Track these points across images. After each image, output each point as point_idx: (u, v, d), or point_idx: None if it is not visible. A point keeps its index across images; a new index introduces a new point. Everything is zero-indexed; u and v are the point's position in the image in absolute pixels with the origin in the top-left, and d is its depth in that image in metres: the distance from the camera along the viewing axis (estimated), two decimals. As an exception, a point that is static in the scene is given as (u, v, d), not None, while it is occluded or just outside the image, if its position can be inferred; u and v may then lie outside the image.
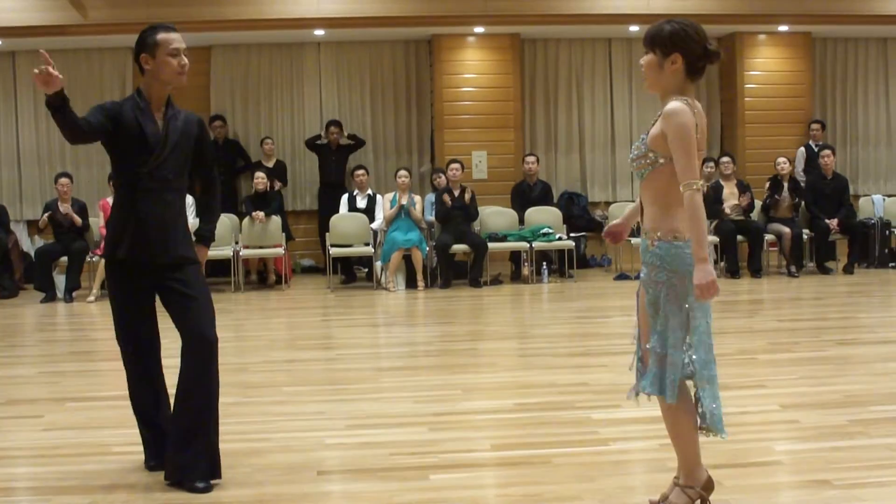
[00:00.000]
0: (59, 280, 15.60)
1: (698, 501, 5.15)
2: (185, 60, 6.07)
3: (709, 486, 5.18)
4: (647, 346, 5.09)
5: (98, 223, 15.91)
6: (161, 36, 5.96)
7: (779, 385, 8.29)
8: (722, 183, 16.67)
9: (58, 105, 5.45)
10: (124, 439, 6.93)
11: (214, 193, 6.47)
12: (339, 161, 17.69)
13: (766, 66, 18.24)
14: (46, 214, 15.81)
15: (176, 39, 6.02)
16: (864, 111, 19.39)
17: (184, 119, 6.19)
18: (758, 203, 16.80)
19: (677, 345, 5.00)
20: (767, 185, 16.82)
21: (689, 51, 4.96)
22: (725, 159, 16.90)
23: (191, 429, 5.86)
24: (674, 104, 4.92)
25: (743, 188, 16.58)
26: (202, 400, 5.90)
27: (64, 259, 15.68)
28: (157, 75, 5.99)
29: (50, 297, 15.35)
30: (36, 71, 5.29)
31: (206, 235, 6.39)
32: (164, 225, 5.97)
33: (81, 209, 15.96)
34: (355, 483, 5.93)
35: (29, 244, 17.67)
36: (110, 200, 15.57)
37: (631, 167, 5.27)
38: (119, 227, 5.98)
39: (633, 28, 17.50)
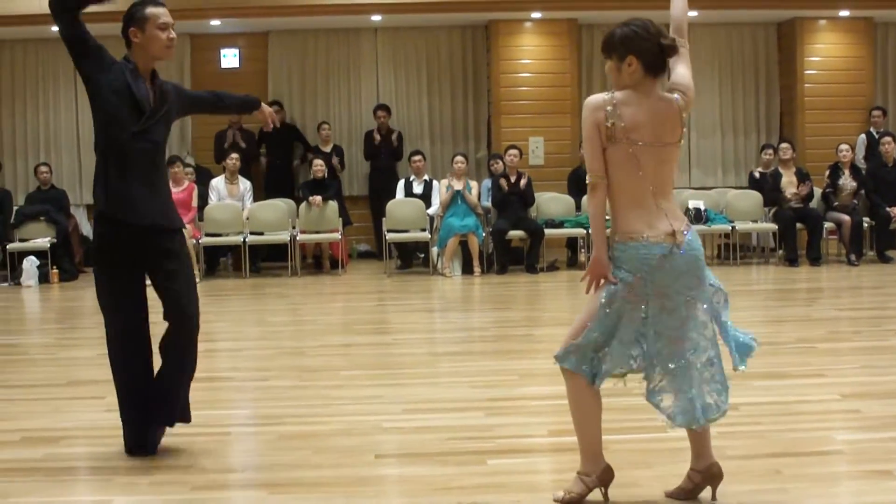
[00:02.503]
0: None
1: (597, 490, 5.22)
2: (174, 34, 6.12)
3: (606, 476, 5.21)
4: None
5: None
6: (150, 10, 6.05)
7: (839, 374, 8.23)
8: (781, 170, 16.56)
9: None
10: (184, 421, 7.01)
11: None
12: (387, 145, 17.74)
13: (826, 52, 18.04)
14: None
15: (164, 14, 6.09)
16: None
17: (171, 88, 6.28)
18: (817, 191, 16.62)
19: (624, 338, 5.02)
20: (827, 172, 16.67)
21: (643, 51, 4.99)
22: (785, 146, 16.75)
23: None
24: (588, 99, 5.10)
25: (802, 176, 16.42)
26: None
27: (123, 242, 15.78)
28: (146, 48, 6.06)
29: (109, 280, 15.45)
30: None
31: (251, 98, 6.68)
32: (156, 188, 6.11)
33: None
34: (412, 467, 5.96)
35: (88, 228, 17.80)
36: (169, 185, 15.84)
37: None
38: (112, 189, 6.05)
39: (692, 13, 17.36)
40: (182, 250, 6.22)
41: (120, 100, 5.97)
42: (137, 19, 6.03)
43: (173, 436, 6.40)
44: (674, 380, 5.00)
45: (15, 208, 16.73)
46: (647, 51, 4.98)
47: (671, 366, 4.98)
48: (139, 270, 6.15)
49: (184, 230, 6.27)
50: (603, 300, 5.00)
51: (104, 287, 6.17)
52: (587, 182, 4.99)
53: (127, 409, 6.25)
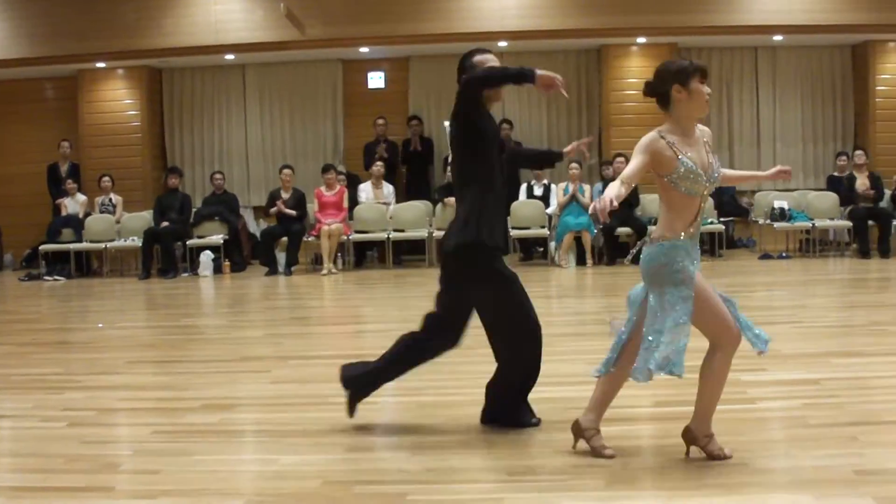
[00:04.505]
0: (280, 257, 15.92)
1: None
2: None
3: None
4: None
5: (313, 209, 16.22)
6: (477, 58, 6.03)
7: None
8: (855, 174, 16.42)
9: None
10: (339, 391, 7.05)
11: None
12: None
13: (895, 71, 17.74)
14: (275, 209, 16.17)
15: (491, 59, 6.05)
16: None
17: None
18: (887, 192, 16.40)
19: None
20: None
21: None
22: (859, 153, 16.65)
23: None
24: None
25: (874, 179, 16.29)
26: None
27: (284, 239, 16.01)
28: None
29: (272, 271, 15.69)
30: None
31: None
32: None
33: (300, 198, 16.29)
34: (538, 433, 5.94)
35: (255, 226, 18.07)
36: (323, 189, 16.03)
37: (711, 188, 5.40)
38: (492, 218, 5.88)
39: (778, 38, 17.17)
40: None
41: (494, 137, 5.92)
42: (467, 68, 5.97)
43: (333, 405, 6.46)
44: None
45: (194, 210, 17.05)
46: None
47: None
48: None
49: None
50: None
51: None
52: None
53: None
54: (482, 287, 5.94)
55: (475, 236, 5.80)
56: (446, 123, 5.79)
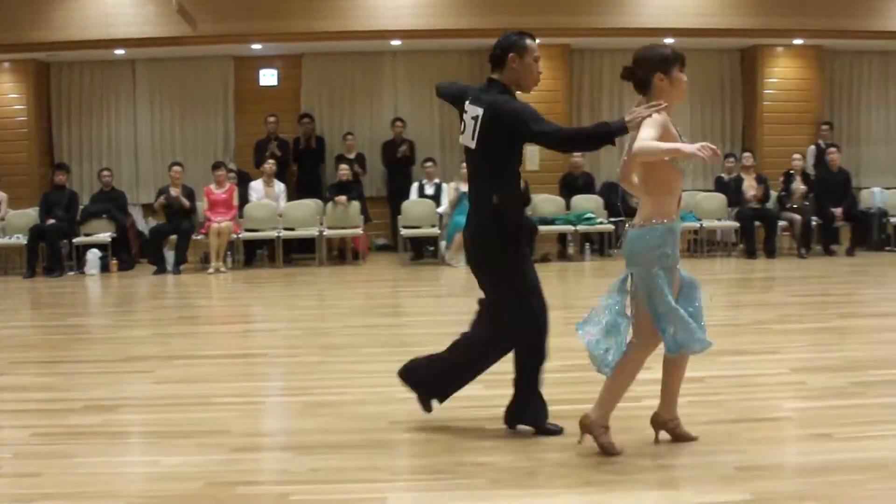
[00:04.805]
0: (169, 255, 15.71)
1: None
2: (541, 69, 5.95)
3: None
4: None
5: (203, 207, 16.06)
6: (528, 42, 5.83)
7: (789, 351, 8.23)
8: (742, 176, 16.73)
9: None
10: (224, 391, 7.01)
11: None
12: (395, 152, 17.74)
13: (782, 75, 18.02)
14: (163, 197, 15.96)
15: (536, 48, 5.87)
16: (866, 114, 19.13)
17: None
18: (773, 193, 16.73)
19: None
20: (782, 178, 16.77)
21: None
22: (746, 155, 17.04)
23: None
24: None
25: (760, 181, 16.60)
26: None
27: (173, 237, 15.81)
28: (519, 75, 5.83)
29: (161, 269, 15.48)
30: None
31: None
32: None
33: (189, 194, 16.11)
34: (422, 432, 5.94)
35: (144, 224, 17.81)
36: (213, 187, 15.87)
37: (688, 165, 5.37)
38: (519, 213, 5.94)
39: (669, 40, 17.38)
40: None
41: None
42: (519, 47, 5.78)
43: (218, 405, 6.40)
44: None
45: (81, 207, 16.74)
46: None
47: None
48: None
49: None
50: None
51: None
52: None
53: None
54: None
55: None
56: (479, 111, 5.68)
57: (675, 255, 5.24)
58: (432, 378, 6.05)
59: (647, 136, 5.04)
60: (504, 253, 5.74)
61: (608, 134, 5.42)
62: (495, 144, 5.68)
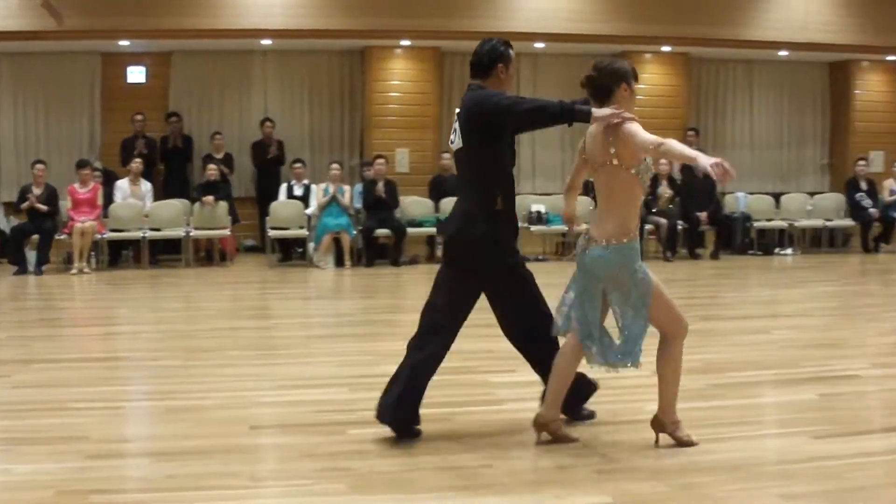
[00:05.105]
0: (31, 255, 15.32)
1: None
2: None
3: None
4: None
5: (66, 206, 15.71)
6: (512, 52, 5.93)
7: (649, 354, 8.29)
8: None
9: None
10: (83, 396, 6.85)
11: None
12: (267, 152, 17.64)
13: (650, 81, 18.18)
14: (27, 203, 15.52)
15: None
16: (731, 121, 19.70)
17: None
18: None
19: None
20: (648, 182, 17.00)
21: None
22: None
23: None
24: None
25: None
26: None
27: (35, 237, 15.42)
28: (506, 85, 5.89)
29: (22, 270, 15.09)
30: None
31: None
32: None
33: (52, 193, 15.71)
34: (283, 437, 5.90)
35: (5, 223, 17.35)
36: (77, 186, 15.53)
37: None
38: (511, 220, 6.01)
39: (539, 45, 17.57)
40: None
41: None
42: (506, 58, 5.85)
43: (74, 410, 6.25)
44: None
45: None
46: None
47: None
48: None
49: None
50: None
51: None
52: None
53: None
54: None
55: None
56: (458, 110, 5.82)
57: (643, 268, 5.54)
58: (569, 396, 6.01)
59: (650, 139, 5.34)
60: (499, 254, 6.07)
61: (570, 113, 5.51)
62: (479, 139, 5.78)
